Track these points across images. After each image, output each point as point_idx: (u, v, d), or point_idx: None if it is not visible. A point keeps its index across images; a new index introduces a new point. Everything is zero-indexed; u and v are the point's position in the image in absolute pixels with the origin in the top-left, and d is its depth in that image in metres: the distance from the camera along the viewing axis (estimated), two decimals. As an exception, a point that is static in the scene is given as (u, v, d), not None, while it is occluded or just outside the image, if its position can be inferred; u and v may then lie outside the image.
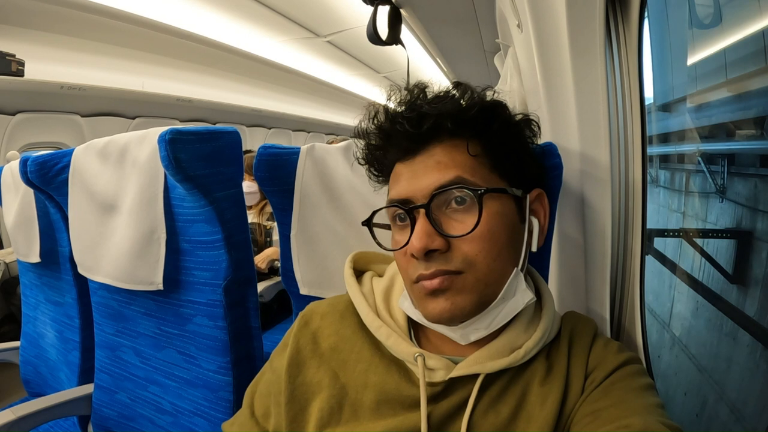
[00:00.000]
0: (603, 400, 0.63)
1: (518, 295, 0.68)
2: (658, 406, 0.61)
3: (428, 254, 0.63)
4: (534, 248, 0.71)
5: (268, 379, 0.81)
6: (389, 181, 0.73)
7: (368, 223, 0.73)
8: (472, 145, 0.67)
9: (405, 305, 0.73)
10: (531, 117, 0.74)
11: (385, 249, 0.71)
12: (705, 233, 1.01)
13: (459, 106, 0.68)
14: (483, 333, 0.68)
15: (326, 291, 1.09)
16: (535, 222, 0.71)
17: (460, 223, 0.64)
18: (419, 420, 0.66)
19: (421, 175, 0.66)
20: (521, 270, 0.68)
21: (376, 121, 0.72)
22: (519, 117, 0.73)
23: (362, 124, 0.74)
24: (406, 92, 0.71)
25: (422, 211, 0.64)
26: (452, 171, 0.65)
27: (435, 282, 0.63)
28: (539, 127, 0.75)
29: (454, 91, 0.71)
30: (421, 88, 0.71)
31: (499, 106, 0.71)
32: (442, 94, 0.70)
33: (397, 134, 0.68)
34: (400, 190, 0.68)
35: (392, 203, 0.69)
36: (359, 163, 0.79)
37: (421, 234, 0.63)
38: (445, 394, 0.69)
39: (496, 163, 0.68)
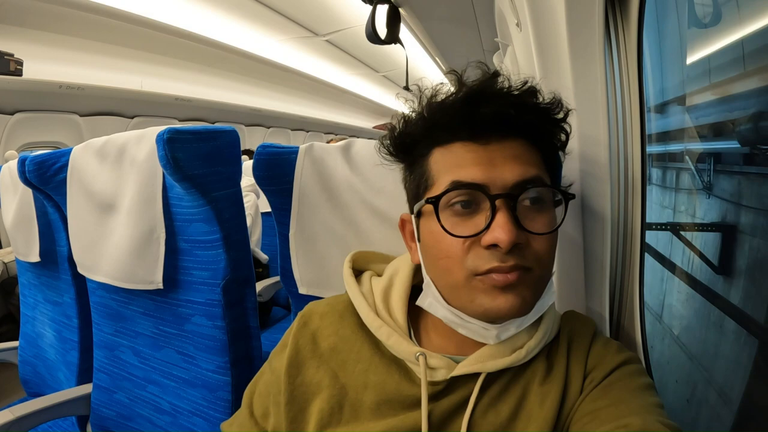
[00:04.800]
0: (602, 399, 0.63)
1: (547, 296, 0.67)
2: (657, 406, 0.61)
3: (514, 247, 0.61)
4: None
5: (267, 379, 0.81)
6: (429, 161, 0.68)
7: (437, 201, 0.64)
8: (546, 150, 0.68)
9: (428, 303, 0.70)
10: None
11: (453, 235, 0.63)
12: (692, 227, 1.02)
13: (553, 111, 0.67)
14: (513, 332, 0.66)
15: (325, 290, 1.09)
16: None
17: (536, 221, 0.63)
18: (420, 419, 0.66)
19: (499, 164, 0.63)
20: None
21: (451, 93, 0.67)
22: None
23: (414, 95, 0.70)
24: (487, 77, 0.67)
25: (507, 201, 0.62)
26: (533, 168, 0.64)
27: (511, 276, 0.61)
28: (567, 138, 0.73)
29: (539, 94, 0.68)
30: (521, 82, 0.67)
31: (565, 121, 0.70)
32: (530, 89, 0.67)
33: (486, 114, 0.63)
34: (472, 173, 0.63)
35: (464, 186, 0.64)
36: (389, 130, 0.74)
37: (510, 226, 0.60)
38: (446, 393, 0.68)
39: (551, 172, 0.69)
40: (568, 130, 0.70)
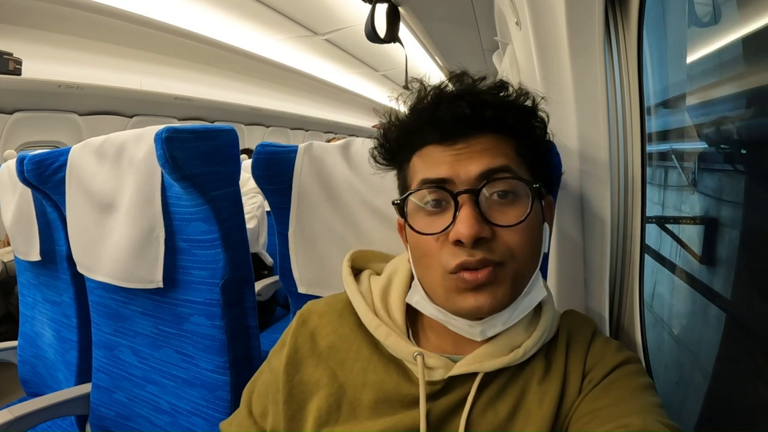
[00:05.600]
0: (602, 399, 0.63)
1: (534, 292, 0.67)
2: (657, 406, 0.61)
3: (476, 242, 0.61)
4: (545, 249, 0.70)
5: (266, 378, 0.81)
6: (410, 165, 0.70)
7: (402, 203, 0.68)
8: (519, 142, 0.67)
9: (415, 300, 0.72)
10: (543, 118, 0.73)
11: (419, 233, 0.65)
12: (677, 220, 1.05)
13: (518, 103, 0.68)
14: (500, 329, 0.67)
15: (324, 290, 1.09)
16: (546, 227, 0.70)
17: (505, 214, 0.63)
18: (418, 418, 0.66)
19: (465, 159, 0.64)
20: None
21: (422, 99, 0.69)
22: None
23: (398, 101, 0.72)
24: (454, 78, 0.69)
25: (469, 196, 0.62)
26: (501, 158, 0.64)
27: (481, 275, 0.61)
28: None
29: (508, 87, 0.69)
30: (479, 78, 0.69)
31: (537, 110, 0.70)
32: (496, 85, 0.68)
33: (446, 116, 0.65)
34: (438, 171, 0.65)
35: (429, 183, 0.65)
36: (381, 145, 0.75)
37: (471, 220, 0.60)
38: (444, 393, 0.68)
39: (531, 166, 0.68)
40: (545, 118, 0.71)
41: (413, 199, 0.67)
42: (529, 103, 0.69)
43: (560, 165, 0.80)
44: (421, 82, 0.70)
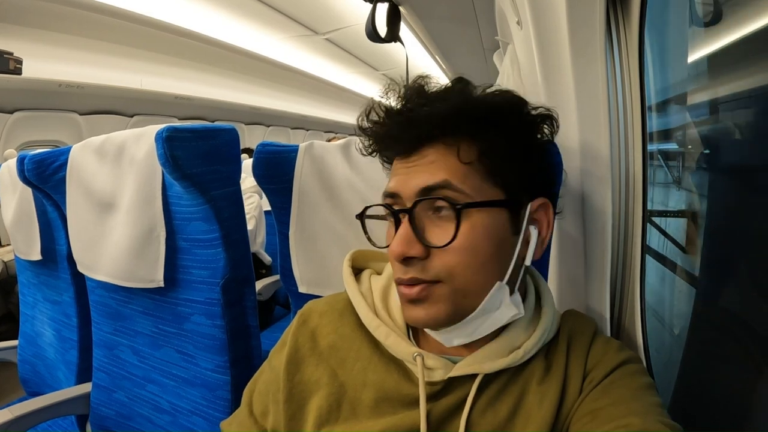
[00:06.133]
0: (602, 399, 0.63)
1: (503, 308, 0.66)
2: (657, 406, 0.61)
3: (406, 260, 0.62)
4: (528, 261, 0.67)
5: (266, 377, 0.81)
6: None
7: (361, 216, 0.71)
8: (464, 150, 0.63)
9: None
10: (551, 113, 0.70)
11: (375, 245, 0.70)
12: (664, 214, 1.08)
13: (453, 107, 0.63)
14: (466, 340, 0.67)
15: (325, 289, 1.09)
16: (534, 233, 0.67)
17: (442, 232, 0.62)
18: (418, 418, 0.66)
19: (412, 174, 0.64)
20: (507, 282, 0.65)
21: (368, 122, 0.70)
22: (537, 112, 0.69)
23: (360, 121, 0.71)
24: (402, 90, 0.68)
25: (406, 214, 0.63)
26: (441, 174, 0.62)
27: (413, 292, 0.63)
28: (557, 125, 0.72)
29: (452, 89, 0.68)
30: (417, 87, 0.68)
31: (508, 105, 0.67)
32: (437, 91, 0.67)
33: (389, 136, 0.67)
34: (390, 186, 0.67)
35: (385, 198, 0.68)
36: (362, 155, 0.75)
37: (399, 240, 0.62)
38: (444, 393, 0.68)
39: (493, 170, 0.64)
40: (530, 114, 0.68)
41: (375, 210, 0.69)
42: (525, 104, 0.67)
43: (561, 164, 0.80)
44: (373, 107, 0.69)
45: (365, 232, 0.71)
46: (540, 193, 0.68)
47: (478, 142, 0.64)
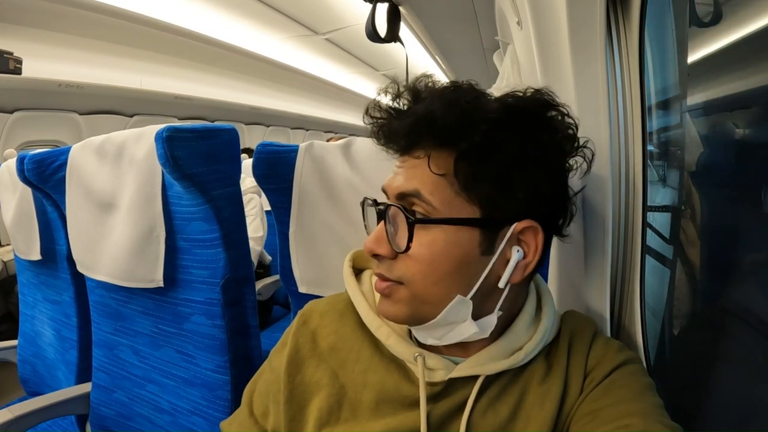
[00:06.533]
0: (602, 399, 0.63)
1: (466, 324, 0.64)
2: (658, 406, 0.61)
3: (376, 256, 0.66)
4: (501, 284, 0.64)
5: (266, 378, 0.81)
6: None
7: (362, 206, 0.73)
8: (440, 160, 0.61)
9: None
10: (574, 131, 0.66)
11: (367, 231, 0.73)
12: (650, 208, 1.11)
13: (428, 113, 0.60)
14: (437, 342, 0.68)
15: (325, 289, 1.09)
16: (516, 255, 0.63)
17: (398, 238, 0.64)
18: (418, 419, 0.66)
19: (400, 173, 0.65)
20: (479, 299, 0.64)
21: (366, 121, 0.70)
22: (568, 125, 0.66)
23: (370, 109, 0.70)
24: (400, 87, 0.67)
25: (382, 212, 0.66)
26: (414, 182, 0.62)
27: (381, 286, 0.66)
28: (577, 144, 0.68)
29: (442, 92, 0.63)
30: (413, 87, 0.66)
31: (497, 114, 0.60)
32: (428, 93, 0.64)
33: (387, 132, 0.67)
34: (387, 180, 0.68)
35: (382, 191, 0.69)
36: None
37: (372, 236, 0.65)
38: (445, 394, 0.68)
39: (467, 185, 0.60)
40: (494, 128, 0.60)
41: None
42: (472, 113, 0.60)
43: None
44: (374, 106, 0.69)
45: (364, 218, 0.74)
46: (534, 215, 0.63)
47: (455, 153, 0.61)
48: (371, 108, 0.69)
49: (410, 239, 0.61)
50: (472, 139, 0.59)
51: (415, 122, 0.62)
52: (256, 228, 2.57)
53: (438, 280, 0.62)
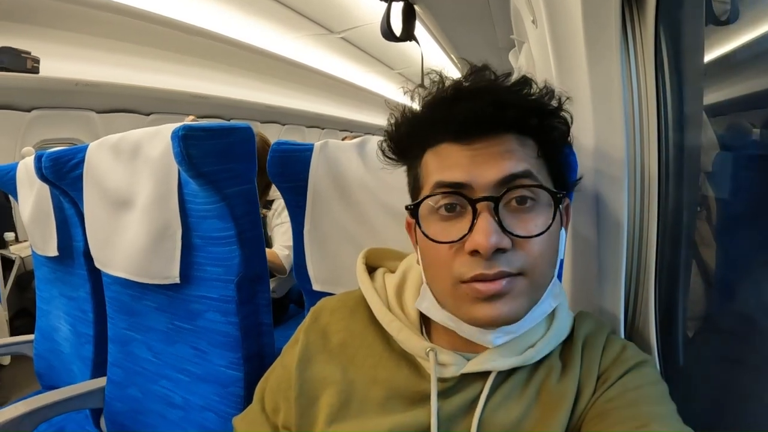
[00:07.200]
0: (615, 400, 0.62)
1: (549, 300, 0.66)
2: (671, 411, 0.60)
3: (494, 253, 0.58)
4: (561, 255, 0.68)
5: (278, 374, 0.81)
6: (422, 163, 0.67)
7: (415, 208, 0.65)
8: (524, 141, 0.63)
9: (425, 306, 0.70)
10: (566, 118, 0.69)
11: (433, 240, 0.62)
12: (665, 209, 1.11)
13: (542, 102, 0.63)
14: (509, 338, 0.65)
15: (339, 287, 1.09)
16: (563, 232, 0.68)
17: (525, 223, 0.60)
18: (428, 415, 0.65)
19: (483, 162, 0.60)
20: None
21: (438, 90, 0.65)
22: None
23: (415, 92, 0.68)
24: (475, 73, 0.66)
25: (488, 204, 0.59)
26: (523, 163, 0.60)
27: (496, 286, 0.58)
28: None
29: (532, 84, 0.65)
30: (504, 74, 0.65)
31: (561, 110, 0.66)
32: (519, 81, 0.64)
33: (464, 112, 0.61)
34: (454, 173, 0.61)
35: (445, 188, 0.62)
36: (386, 133, 0.72)
37: (490, 230, 0.57)
38: (456, 391, 0.68)
39: (552, 170, 0.65)
40: (568, 118, 0.67)
41: (428, 202, 0.64)
42: (555, 102, 0.65)
43: (576, 165, 0.79)
44: (440, 74, 0.66)
45: (420, 226, 0.64)
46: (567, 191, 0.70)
47: (546, 141, 0.65)
48: (435, 83, 0.66)
49: (555, 215, 0.61)
50: (546, 121, 0.64)
51: (500, 105, 0.60)
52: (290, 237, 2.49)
53: (551, 260, 0.63)
